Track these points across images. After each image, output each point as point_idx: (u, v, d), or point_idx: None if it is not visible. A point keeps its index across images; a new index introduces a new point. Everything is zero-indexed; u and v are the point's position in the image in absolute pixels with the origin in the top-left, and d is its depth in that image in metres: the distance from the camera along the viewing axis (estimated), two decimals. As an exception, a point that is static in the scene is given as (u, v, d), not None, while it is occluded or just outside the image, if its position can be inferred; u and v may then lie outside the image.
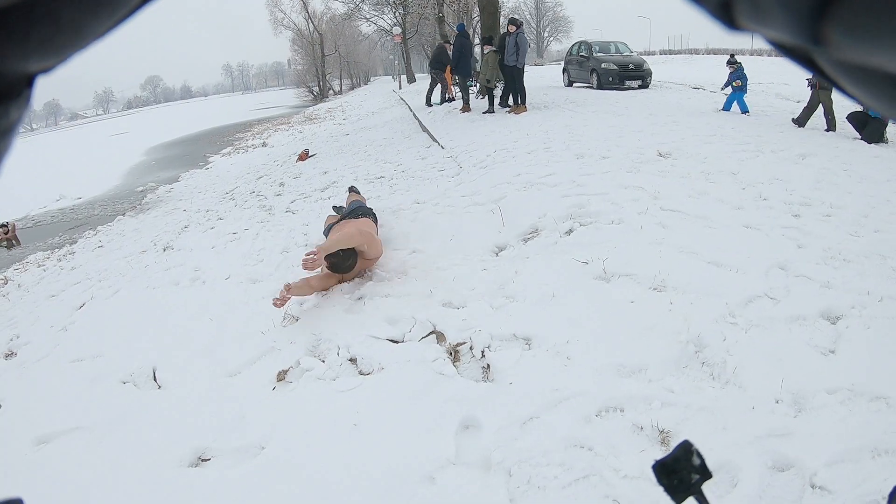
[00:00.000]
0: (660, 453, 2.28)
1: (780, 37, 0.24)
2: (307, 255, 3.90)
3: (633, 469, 2.26)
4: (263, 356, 3.70)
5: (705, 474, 0.71)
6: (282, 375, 3.46)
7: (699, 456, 0.71)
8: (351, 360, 3.48)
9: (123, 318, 5.01)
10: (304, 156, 12.54)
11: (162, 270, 6.12)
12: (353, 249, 4.20)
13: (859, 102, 0.28)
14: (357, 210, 5.13)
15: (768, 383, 2.63)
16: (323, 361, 3.50)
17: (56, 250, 10.16)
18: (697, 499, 0.70)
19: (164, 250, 7.18)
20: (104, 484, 2.94)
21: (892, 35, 0.20)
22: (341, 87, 64.74)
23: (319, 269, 4.33)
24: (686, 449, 0.73)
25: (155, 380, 3.83)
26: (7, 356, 5.24)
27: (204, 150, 22.26)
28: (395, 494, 2.38)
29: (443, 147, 9.51)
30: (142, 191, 13.51)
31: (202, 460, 2.94)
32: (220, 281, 5.24)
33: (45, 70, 0.24)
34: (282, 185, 9.86)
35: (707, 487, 0.71)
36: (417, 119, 13.96)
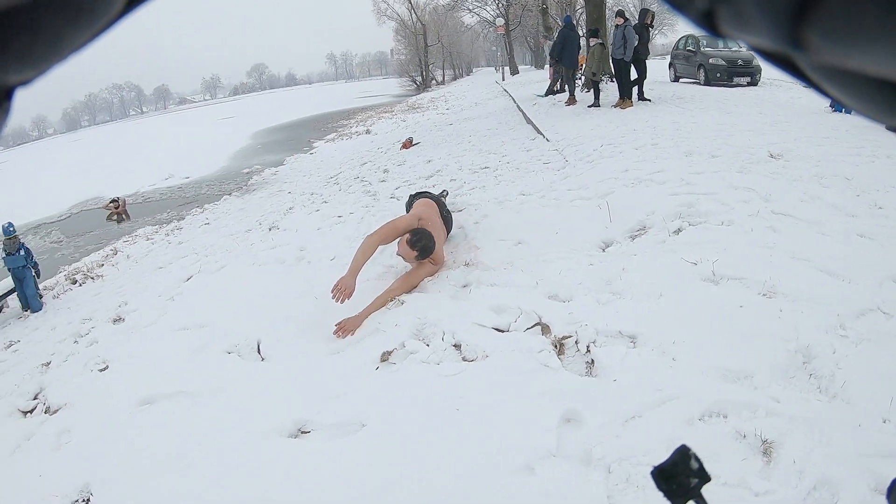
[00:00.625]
0: (761, 463, 2.23)
1: (761, 42, 0.24)
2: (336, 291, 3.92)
3: (732, 477, 2.15)
4: (367, 337, 3.73)
5: (704, 478, 0.73)
6: (386, 356, 3.47)
7: (697, 460, 0.73)
8: (455, 345, 3.46)
9: (229, 292, 5.19)
10: (407, 144, 12.67)
11: (268, 249, 6.30)
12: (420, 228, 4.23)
13: (840, 104, 0.28)
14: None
15: (877, 401, 2.45)
16: (427, 345, 3.49)
17: (164, 225, 10.69)
18: (697, 502, 0.73)
19: (270, 230, 7.40)
20: (205, 447, 3.04)
21: (868, 37, 0.20)
22: (444, 78, 65.32)
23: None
24: (684, 453, 0.74)
25: (259, 352, 3.93)
26: (115, 321, 5.54)
27: (308, 135, 22.96)
28: (494, 481, 2.36)
29: (548, 140, 9.39)
30: (247, 172, 14.01)
31: (302, 432, 3.00)
32: (326, 261, 5.33)
33: (24, 83, 0.24)
34: (386, 171, 10.01)
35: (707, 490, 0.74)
36: (521, 111, 13.85)
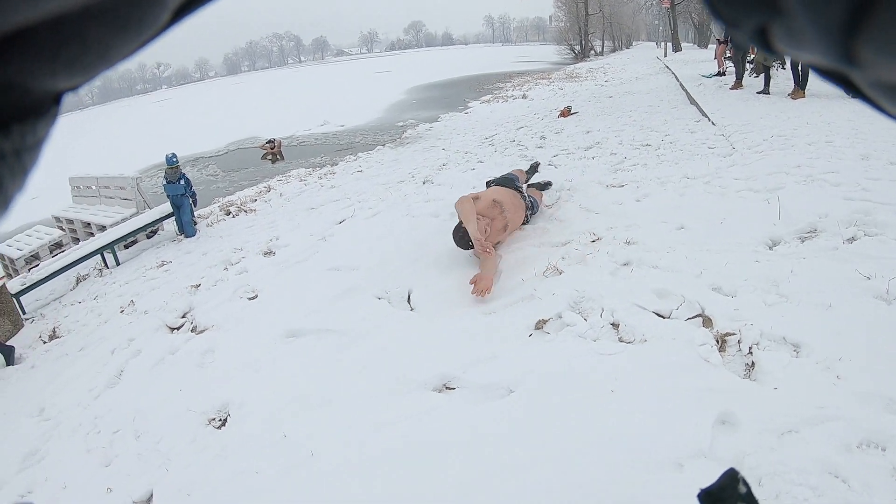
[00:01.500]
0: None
1: (815, 59, 0.24)
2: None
3: (881, 515, 1.93)
4: (521, 301, 3.63)
5: (752, 502, 0.66)
6: (540, 324, 3.35)
7: (745, 484, 0.66)
8: (613, 324, 3.29)
9: (381, 239, 5.27)
10: (565, 112, 12.39)
11: (422, 202, 6.37)
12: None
13: None
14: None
15: None
16: (585, 320, 3.35)
17: (318, 169, 11.05)
18: None
19: (424, 183, 7.49)
20: (345, 388, 3.09)
21: None
22: (602, 49, 63.40)
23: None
24: (732, 477, 0.67)
25: (409, 301, 3.94)
26: (266, 254, 5.78)
27: (463, 94, 23.08)
28: (641, 471, 2.25)
29: (713, 123, 8.85)
30: (401, 126, 14.24)
31: (447, 388, 2.97)
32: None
33: (72, 88, 0.25)
34: (542, 138, 9.81)
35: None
36: (685, 90, 13.15)
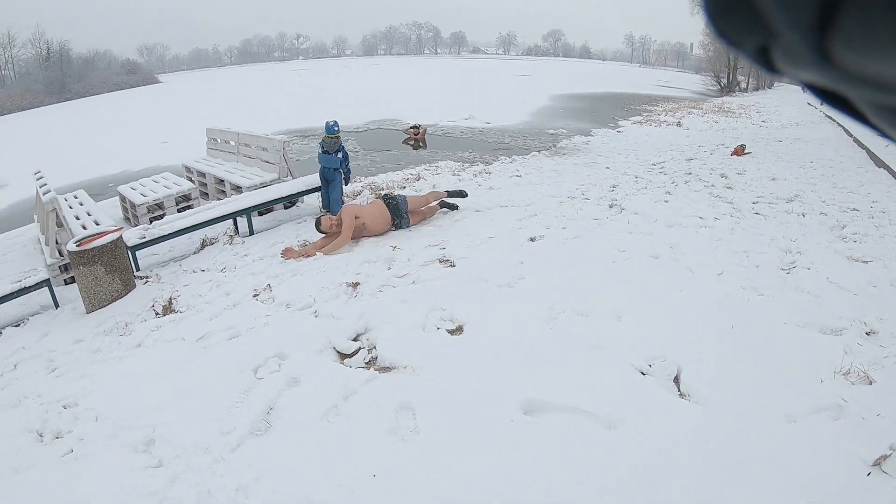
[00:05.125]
0: None
1: (812, 77, 0.26)
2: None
3: None
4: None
5: None
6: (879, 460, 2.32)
7: None
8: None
9: (595, 273, 4.47)
10: (739, 151, 11.34)
11: (625, 232, 5.53)
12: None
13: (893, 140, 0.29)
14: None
15: None
16: None
17: (468, 165, 10.20)
18: None
19: (611, 207, 6.57)
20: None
21: (883, 45, 0.21)
22: (747, 85, 60.60)
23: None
24: None
25: (677, 383, 2.93)
26: (442, 262, 5.06)
27: (610, 111, 21.86)
28: None
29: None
30: (553, 134, 13.26)
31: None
32: (712, 276, 4.45)
33: None
34: (724, 176, 8.77)
35: None
36: (865, 148, 11.69)
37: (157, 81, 69.26)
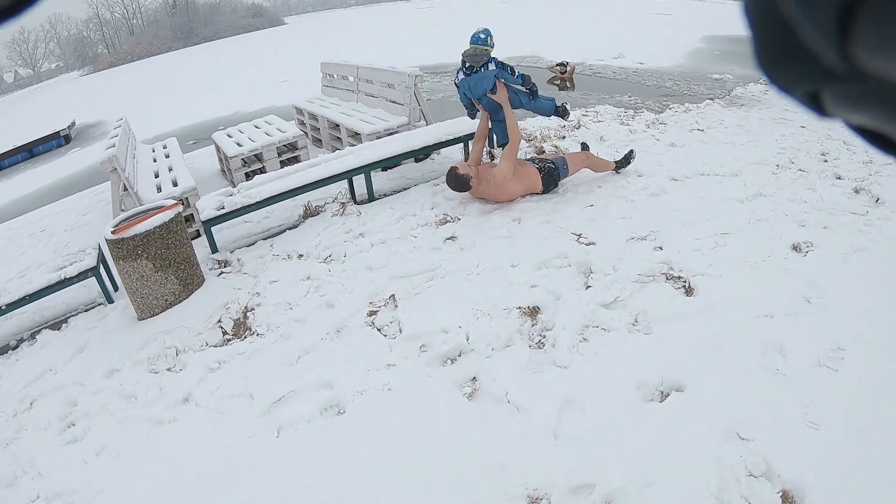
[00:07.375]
0: None
1: (864, 120, 0.26)
2: None
3: None
4: None
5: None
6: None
7: None
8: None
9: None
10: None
11: None
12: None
13: None
14: None
15: None
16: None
17: (631, 111, 8.73)
18: None
19: (857, 192, 5.04)
20: None
21: None
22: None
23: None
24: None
25: None
26: (671, 281, 3.70)
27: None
28: None
29: None
30: (718, 80, 11.46)
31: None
32: None
33: None
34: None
35: None
36: None
37: (283, 23, 70.66)
